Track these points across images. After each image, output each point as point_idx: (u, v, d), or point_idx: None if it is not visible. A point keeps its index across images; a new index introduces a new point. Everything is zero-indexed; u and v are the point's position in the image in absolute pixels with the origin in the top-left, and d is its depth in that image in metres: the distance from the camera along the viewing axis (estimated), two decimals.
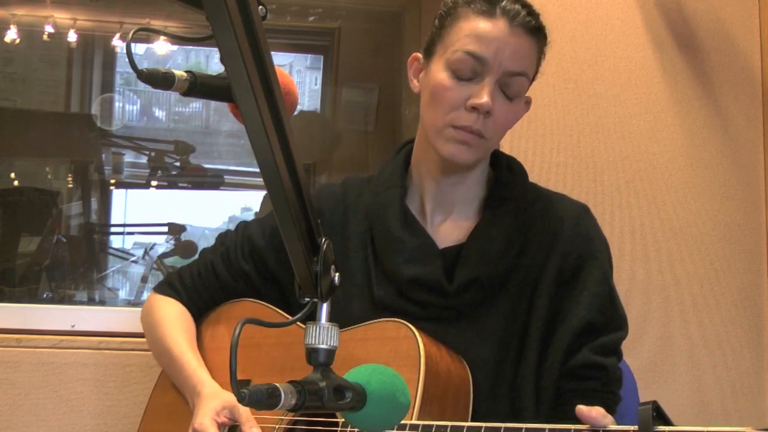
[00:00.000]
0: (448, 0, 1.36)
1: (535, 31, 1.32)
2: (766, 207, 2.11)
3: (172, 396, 1.44)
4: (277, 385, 0.78)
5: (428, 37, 1.38)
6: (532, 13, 1.33)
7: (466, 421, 1.24)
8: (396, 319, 1.27)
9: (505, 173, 1.42)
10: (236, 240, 1.48)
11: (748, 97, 2.12)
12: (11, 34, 3.43)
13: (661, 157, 2.08)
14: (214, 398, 1.30)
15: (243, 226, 1.51)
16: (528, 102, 1.39)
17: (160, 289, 1.51)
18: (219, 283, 1.48)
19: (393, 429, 0.87)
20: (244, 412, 1.26)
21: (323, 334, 0.86)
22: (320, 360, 0.85)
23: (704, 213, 2.08)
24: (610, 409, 1.30)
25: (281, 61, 3.90)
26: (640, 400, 1.56)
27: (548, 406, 1.31)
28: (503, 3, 1.30)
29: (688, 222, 2.08)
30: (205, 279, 1.48)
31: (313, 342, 0.86)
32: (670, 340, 2.04)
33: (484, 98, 1.28)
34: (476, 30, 1.29)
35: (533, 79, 1.37)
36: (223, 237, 1.52)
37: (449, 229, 1.40)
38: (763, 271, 2.10)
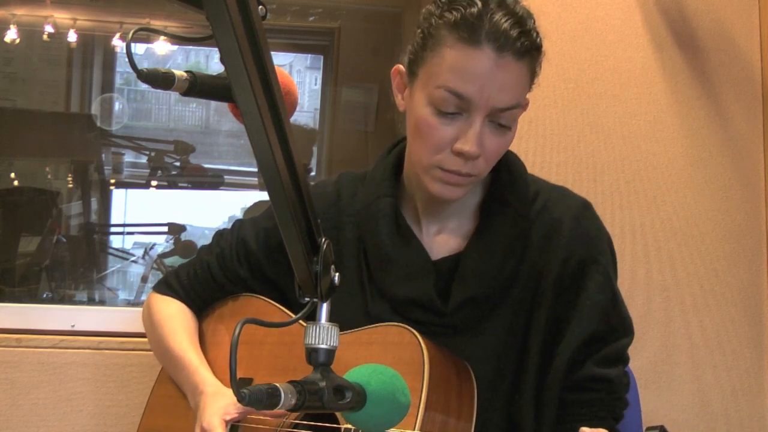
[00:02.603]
0: (429, 15, 1.22)
1: (528, 52, 1.17)
2: (766, 207, 2.11)
3: (172, 389, 1.44)
4: (277, 385, 0.78)
5: (411, 50, 1.25)
6: (524, 31, 1.16)
7: (471, 426, 1.22)
8: (400, 324, 1.25)
9: (503, 174, 1.34)
10: (231, 241, 1.45)
11: (748, 97, 2.12)
12: (11, 34, 3.43)
13: (661, 157, 2.07)
14: (220, 397, 1.28)
15: (238, 225, 1.48)
16: (525, 105, 1.25)
17: (158, 288, 1.50)
18: (215, 284, 1.47)
19: (393, 429, 0.87)
20: None
21: (323, 334, 0.86)
22: (320, 360, 0.86)
23: (704, 213, 2.08)
24: (619, 416, 1.29)
25: (281, 61, 3.90)
26: (641, 400, 1.56)
27: (550, 421, 1.27)
28: (489, 27, 1.14)
29: (688, 222, 2.07)
30: (202, 279, 1.47)
31: (313, 342, 0.86)
32: (670, 340, 2.04)
33: (470, 146, 1.17)
34: (459, 64, 1.15)
35: (529, 91, 1.24)
36: (219, 237, 1.49)
37: (446, 238, 1.34)
38: (763, 271, 2.10)
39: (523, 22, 1.17)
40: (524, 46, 1.16)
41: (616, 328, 1.30)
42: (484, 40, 1.15)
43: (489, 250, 1.29)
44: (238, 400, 0.76)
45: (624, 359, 1.31)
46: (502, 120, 1.20)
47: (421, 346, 1.20)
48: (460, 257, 1.30)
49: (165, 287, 1.49)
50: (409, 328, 1.23)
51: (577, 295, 1.28)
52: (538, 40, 1.20)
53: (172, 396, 1.43)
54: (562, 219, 1.30)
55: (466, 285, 1.28)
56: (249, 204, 3.84)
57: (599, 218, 1.34)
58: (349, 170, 1.47)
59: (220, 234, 1.50)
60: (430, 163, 1.22)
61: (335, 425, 1.22)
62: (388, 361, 1.22)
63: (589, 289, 1.28)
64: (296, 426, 1.27)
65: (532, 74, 1.22)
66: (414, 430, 1.13)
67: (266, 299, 1.43)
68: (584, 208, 1.33)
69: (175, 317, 1.45)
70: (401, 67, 1.28)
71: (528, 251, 1.30)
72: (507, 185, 1.33)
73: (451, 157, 1.20)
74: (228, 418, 1.25)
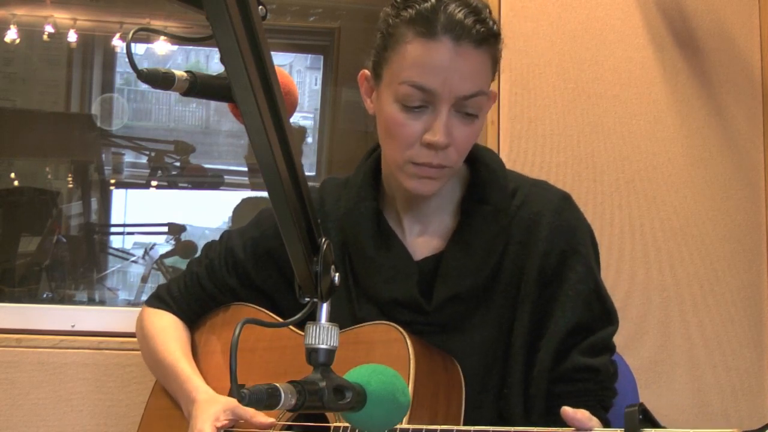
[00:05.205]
0: (387, 16, 1.25)
1: (485, 39, 1.20)
2: (766, 207, 2.11)
3: (166, 401, 1.44)
4: (277, 385, 0.78)
5: (373, 54, 1.28)
6: (479, 19, 1.19)
7: (459, 421, 1.23)
8: (386, 322, 1.26)
9: (482, 171, 1.35)
10: (219, 251, 1.47)
11: (748, 97, 2.12)
12: (11, 34, 3.43)
13: (661, 157, 2.08)
14: (212, 404, 1.28)
15: (226, 236, 1.49)
16: (492, 97, 1.29)
17: (150, 302, 1.52)
18: (206, 294, 1.48)
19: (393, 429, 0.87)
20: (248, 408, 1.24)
21: (323, 334, 0.86)
22: (320, 360, 0.86)
23: (704, 213, 2.08)
24: (608, 405, 1.30)
25: (281, 61, 3.90)
26: (640, 400, 1.56)
27: (539, 413, 1.27)
28: (444, 18, 1.18)
29: (688, 222, 2.07)
30: (192, 291, 1.48)
31: (313, 342, 0.86)
32: (670, 340, 2.04)
33: (439, 136, 1.20)
34: (419, 58, 1.18)
35: (492, 80, 1.27)
36: (208, 248, 1.51)
37: (427, 238, 1.36)
38: (763, 271, 2.10)
39: (478, 11, 1.21)
40: (480, 33, 1.19)
41: (600, 317, 1.30)
42: (441, 31, 1.18)
43: (470, 248, 1.30)
44: (239, 401, 0.76)
45: (610, 348, 1.32)
46: (468, 109, 1.22)
47: (406, 343, 1.21)
48: (441, 256, 1.32)
49: (157, 301, 1.50)
50: (395, 325, 1.24)
51: (559, 287, 1.29)
52: (495, 27, 1.23)
53: (166, 408, 1.43)
54: (542, 212, 1.31)
55: (449, 283, 1.30)
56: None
57: (579, 210, 1.35)
58: (333, 176, 1.49)
59: (208, 246, 1.51)
60: (403, 160, 1.24)
61: (325, 424, 1.22)
62: (375, 358, 1.23)
63: (571, 280, 1.29)
64: (288, 428, 1.27)
65: (494, 62, 1.25)
66: (402, 425, 1.13)
67: (256, 307, 1.44)
68: (563, 200, 1.34)
69: (167, 329, 1.47)
70: (367, 72, 1.31)
71: (509, 247, 1.31)
72: (485, 182, 1.34)
73: (422, 150, 1.22)
74: (219, 424, 1.24)
